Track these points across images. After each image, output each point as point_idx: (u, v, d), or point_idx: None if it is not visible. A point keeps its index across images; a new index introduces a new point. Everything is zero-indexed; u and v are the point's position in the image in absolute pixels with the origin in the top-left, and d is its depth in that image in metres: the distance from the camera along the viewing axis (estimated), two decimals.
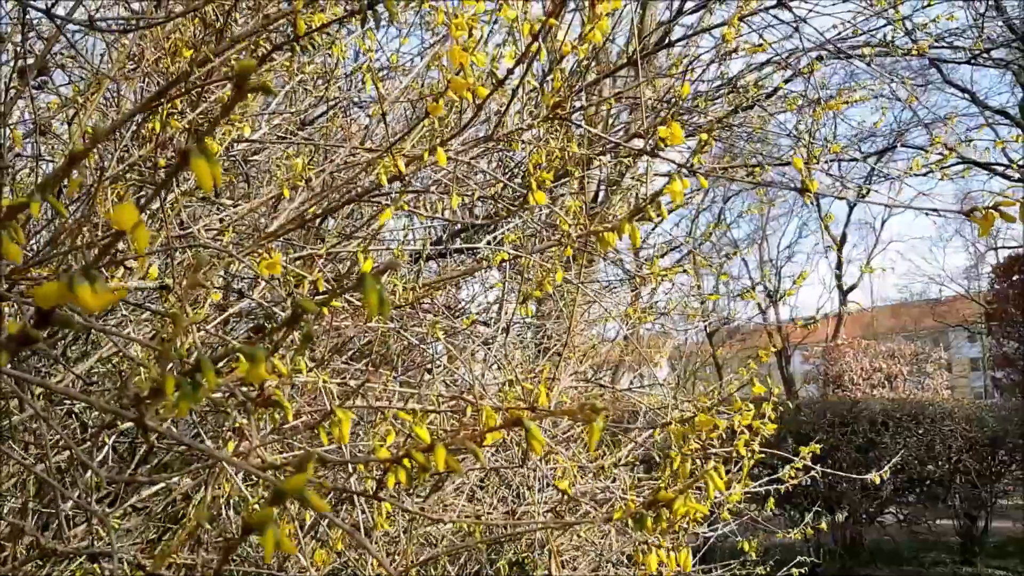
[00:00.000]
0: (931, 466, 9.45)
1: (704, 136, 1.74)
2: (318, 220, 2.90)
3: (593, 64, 4.70)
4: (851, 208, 26.15)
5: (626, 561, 3.40)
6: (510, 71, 1.53)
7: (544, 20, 1.39)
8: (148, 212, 2.53)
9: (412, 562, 2.33)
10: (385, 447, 1.21)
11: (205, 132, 0.64)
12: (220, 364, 0.89)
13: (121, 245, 1.56)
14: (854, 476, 4.15)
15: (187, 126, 2.08)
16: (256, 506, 1.84)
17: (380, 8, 1.08)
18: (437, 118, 1.62)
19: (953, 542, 10.09)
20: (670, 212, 1.68)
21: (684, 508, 0.91)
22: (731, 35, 3.87)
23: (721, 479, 1.13)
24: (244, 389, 0.86)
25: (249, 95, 2.46)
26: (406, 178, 1.62)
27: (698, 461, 2.07)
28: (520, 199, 2.65)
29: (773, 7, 5.17)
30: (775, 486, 3.12)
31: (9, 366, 1.64)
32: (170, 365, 0.68)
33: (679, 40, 5.97)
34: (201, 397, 0.67)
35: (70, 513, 1.96)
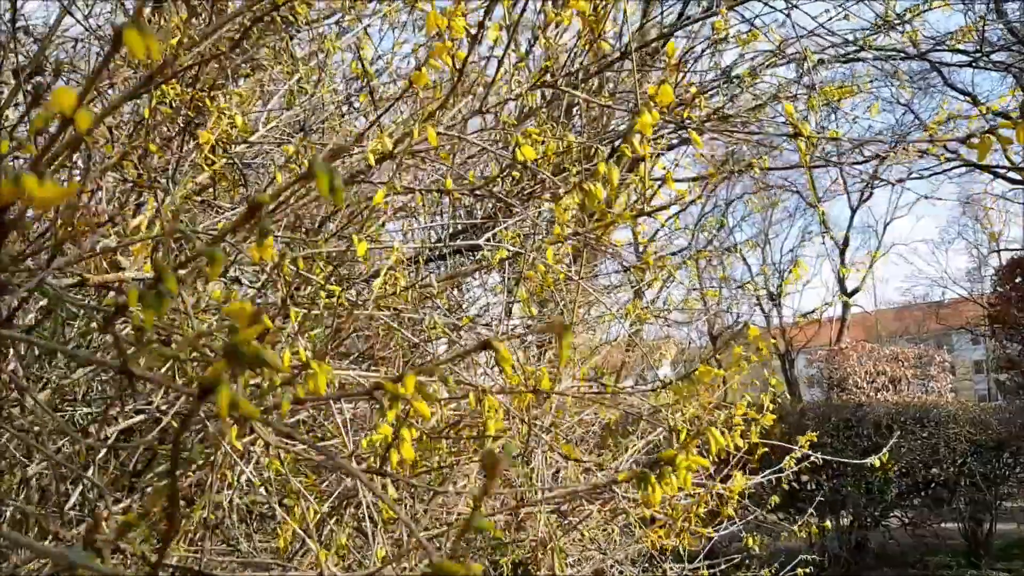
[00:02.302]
0: (936, 469, 9.42)
1: (694, 90, 1.72)
2: (319, 224, 2.89)
3: (589, 56, 4.69)
4: (853, 212, 26.16)
5: (630, 564, 3.38)
6: (481, 24, 1.51)
7: None
8: (147, 215, 2.52)
9: (415, 565, 2.31)
10: (386, 424, 1.20)
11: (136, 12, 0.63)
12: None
13: (114, 240, 1.54)
14: (851, 462, 4.13)
15: (176, 114, 2.07)
16: (263, 490, 1.82)
17: None
18: (421, 89, 1.61)
19: (958, 545, 10.05)
20: (674, 214, 1.67)
21: (687, 463, 0.90)
22: (721, 24, 3.86)
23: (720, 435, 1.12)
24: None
25: (244, 92, 2.44)
26: (398, 158, 1.61)
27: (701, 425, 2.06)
28: (519, 194, 2.64)
29: None
30: (778, 475, 3.10)
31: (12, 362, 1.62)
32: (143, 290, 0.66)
33: (675, 30, 5.96)
34: (166, 307, 0.65)
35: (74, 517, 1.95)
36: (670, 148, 6.43)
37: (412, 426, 0.75)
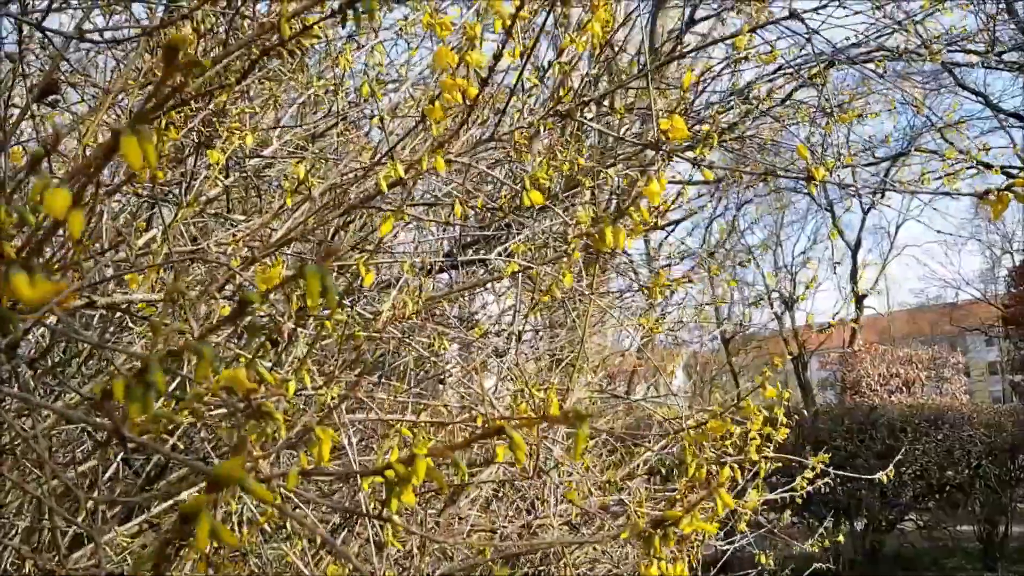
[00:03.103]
0: (951, 472, 9.36)
1: (707, 128, 1.72)
2: (331, 235, 2.90)
3: (604, 75, 4.70)
4: (865, 214, 26.02)
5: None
6: (492, 68, 1.51)
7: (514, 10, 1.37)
8: (158, 227, 2.53)
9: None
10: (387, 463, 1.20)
11: (139, 117, 0.63)
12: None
13: (121, 255, 1.55)
14: (862, 476, 4.12)
15: (185, 137, 2.07)
16: (265, 526, 1.82)
17: (360, 8, 1.07)
18: (435, 122, 1.61)
19: (974, 548, 9.99)
20: (679, 221, 1.66)
21: (691, 527, 0.89)
22: (742, 42, 3.85)
23: (728, 497, 1.11)
24: (233, 399, 0.85)
25: (256, 108, 2.45)
26: (408, 183, 1.61)
27: (713, 468, 2.05)
28: (528, 209, 2.64)
29: (785, 19, 5.15)
30: (791, 493, 3.09)
31: (16, 387, 1.63)
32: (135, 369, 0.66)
33: (691, 51, 5.96)
34: (151, 403, 0.65)
35: (81, 531, 1.96)
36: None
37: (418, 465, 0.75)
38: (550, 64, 1.53)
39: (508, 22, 1.42)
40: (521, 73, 1.58)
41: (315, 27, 1.28)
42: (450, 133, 1.60)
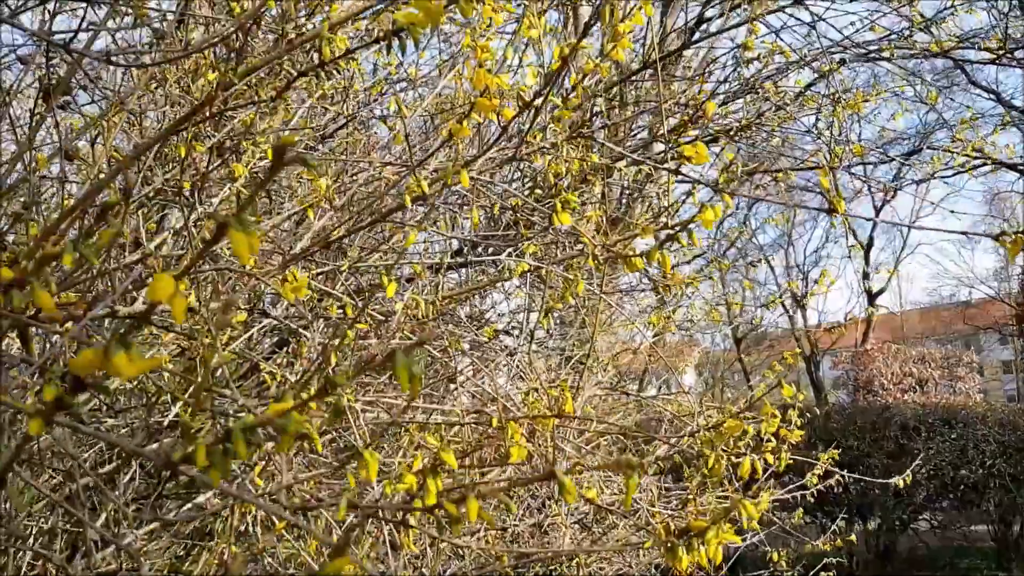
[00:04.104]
0: (964, 471, 9.32)
1: (731, 156, 1.73)
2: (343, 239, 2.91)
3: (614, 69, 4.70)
4: (877, 212, 25.89)
5: (653, 570, 3.38)
6: (537, 95, 1.53)
7: (574, 44, 1.39)
8: (172, 231, 2.55)
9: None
10: (411, 473, 1.21)
11: (244, 205, 0.65)
12: (243, 379, 0.89)
13: (139, 265, 1.57)
14: (876, 481, 4.11)
15: (211, 148, 2.09)
16: (284, 531, 1.84)
17: (404, 34, 1.09)
18: (459, 140, 1.63)
19: (988, 547, 9.94)
20: (689, 222, 1.67)
21: (718, 539, 0.90)
22: (751, 42, 3.84)
23: (751, 505, 1.12)
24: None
25: (275, 122, 2.47)
26: (430, 200, 1.63)
27: (727, 468, 2.06)
28: (540, 211, 2.64)
29: (789, 6, 5.14)
30: (802, 491, 3.09)
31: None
32: (197, 428, 0.68)
33: (696, 42, 5.95)
34: (230, 465, 0.67)
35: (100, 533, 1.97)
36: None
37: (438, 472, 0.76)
38: (573, 87, 1.54)
39: (564, 53, 1.44)
40: (547, 96, 1.59)
41: (352, 52, 1.31)
42: (477, 151, 1.61)
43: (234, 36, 1.74)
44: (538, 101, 1.56)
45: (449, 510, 0.78)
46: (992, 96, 15.73)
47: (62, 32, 1.90)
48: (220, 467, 0.67)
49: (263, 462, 1.96)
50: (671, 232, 1.57)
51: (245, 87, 1.72)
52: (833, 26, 5.47)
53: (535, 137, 1.69)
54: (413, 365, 0.66)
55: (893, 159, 9.93)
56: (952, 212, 26.46)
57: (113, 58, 1.59)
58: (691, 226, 1.52)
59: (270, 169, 0.65)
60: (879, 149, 8.90)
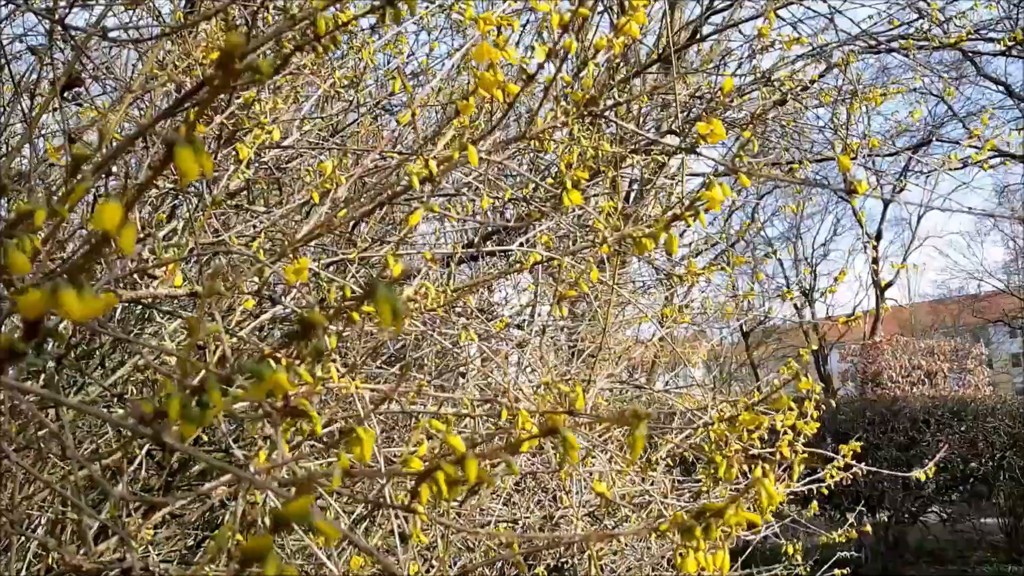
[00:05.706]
0: (974, 464, 9.29)
1: (747, 134, 1.70)
2: (351, 225, 2.89)
3: (623, 63, 4.66)
4: (886, 205, 25.80)
5: (666, 564, 3.35)
6: (540, 66, 1.49)
7: (574, 11, 1.36)
8: (180, 219, 2.53)
9: (448, 569, 2.31)
10: (417, 457, 1.19)
11: (191, 124, 0.62)
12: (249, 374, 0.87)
13: (146, 253, 1.55)
14: (896, 474, 4.08)
15: (215, 130, 2.07)
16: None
17: (400, 4, 1.06)
18: (467, 118, 1.59)
19: (998, 541, 9.90)
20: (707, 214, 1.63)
21: (736, 519, 0.87)
22: (767, 30, 3.80)
23: (772, 486, 1.09)
24: (269, 399, 0.84)
25: (280, 102, 2.45)
26: (437, 180, 1.60)
27: (741, 463, 2.03)
28: (552, 199, 2.62)
29: None
30: (816, 486, 3.06)
31: (41, 384, 1.63)
32: (185, 380, 0.65)
33: (710, 35, 5.92)
34: (208, 419, 0.64)
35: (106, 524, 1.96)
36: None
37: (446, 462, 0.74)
38: (583, 63, 1.51)
39: (564, 21, 1.41)
40: (557, 72, 1.56)
41: (348, 23, 1.28)
42: (484, 130, 1.58)
43: (238, 15, 1.72)
44: (542, 76, 1.52)
45: (447, 471, 0.75)
46: (1002, 88, 15.64)
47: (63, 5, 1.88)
48: (194, 420, 0.64)
49: (263, 441, 1.94)
50: (676, 213, 1.53)
51: (248, 68, 1.69)
52: (851, 19, 5.43)
53: (547, 117, 1.66)
54: (395, 300, 0.64)
55: (902, 151, 9.88)
56: (967, 209, 26.33)
57: (109, 35, 1.57)
58: (697, 204, 1.48)
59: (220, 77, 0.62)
60: (889, 141, 8.86)
